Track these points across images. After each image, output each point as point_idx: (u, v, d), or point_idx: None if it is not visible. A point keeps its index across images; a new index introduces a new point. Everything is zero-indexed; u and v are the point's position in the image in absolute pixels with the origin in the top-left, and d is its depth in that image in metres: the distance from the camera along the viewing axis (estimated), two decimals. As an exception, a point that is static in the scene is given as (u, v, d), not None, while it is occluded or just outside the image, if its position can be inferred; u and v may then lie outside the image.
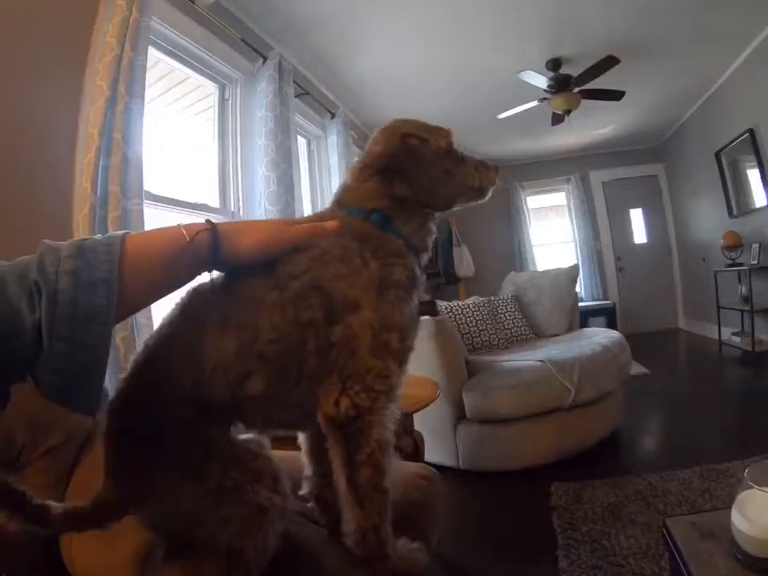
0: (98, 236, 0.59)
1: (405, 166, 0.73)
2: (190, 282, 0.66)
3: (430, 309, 0.81)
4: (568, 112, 3.92)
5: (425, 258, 0.78)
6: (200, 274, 0.65)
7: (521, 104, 4.06)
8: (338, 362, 0.64)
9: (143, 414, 0.63)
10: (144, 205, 1.63)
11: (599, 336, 2.94)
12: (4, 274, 0.52)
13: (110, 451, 0.65)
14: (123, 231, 0.61)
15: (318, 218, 0.73)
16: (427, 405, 1.56)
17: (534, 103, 4.02)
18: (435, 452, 2.40)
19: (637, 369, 3.94)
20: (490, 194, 0.84)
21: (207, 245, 0.62)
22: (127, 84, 1.54)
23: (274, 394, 0.65)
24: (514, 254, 6.63)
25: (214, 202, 2.54)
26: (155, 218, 2.01)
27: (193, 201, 2.37)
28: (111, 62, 1.51)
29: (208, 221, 0.64)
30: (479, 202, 0.84)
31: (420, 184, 0.74)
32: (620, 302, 6.38)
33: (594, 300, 6.41)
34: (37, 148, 1.43)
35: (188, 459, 0.63)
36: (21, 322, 0.50)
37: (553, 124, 4.51)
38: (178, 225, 0.62)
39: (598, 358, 2.57)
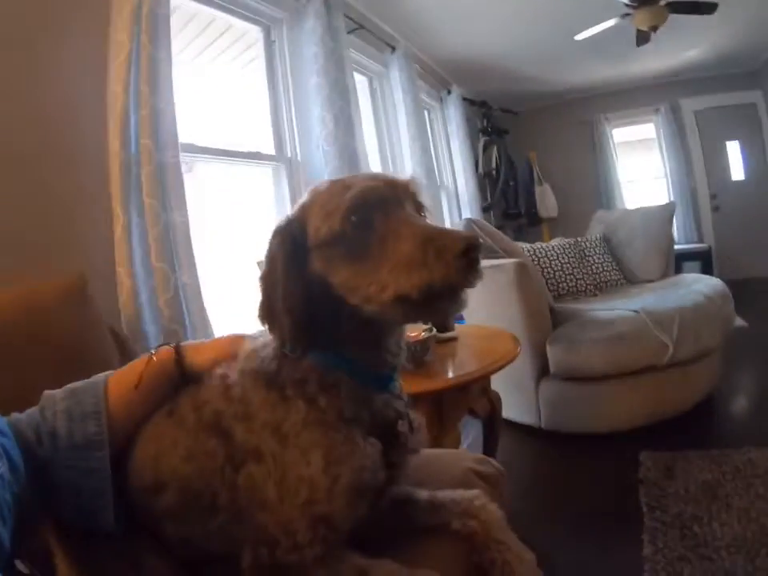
0: (83, 382, 0.70)
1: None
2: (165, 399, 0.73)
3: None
4: (654, 29, 3.44)
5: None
6: (169, 390, 0.73)
7: (600, 22, 3.60)
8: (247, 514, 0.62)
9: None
10: (188, 157, 1.60)
11: (700, 284, 2.62)
12: (21, 425, 0.63)
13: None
14: (108, 372, 0.73)
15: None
16: (507, 364, 1.39)
17: (616, 20, 3.55)
18: (514, 409, 2.25)
19: (735, 322, 3.55)
20: (453, 312, 0.61)
21: (172, 364, 0.73)
22: (149, 34, 1.47)
23: (188, 517, 0.66)
24: (600, 192, 6.13)
25: (269, 149, 2.41)
26: (208, 172, 1.96)
27: (246, 150, 2.28)
28: (130, 13, 1.44)
29: (174, 345, 0.76)
30: (437, 320, 0.72)
31: (273, 316, 0.62)
32: (716, 245, 5.80)
33: (687, 243, 5.85)
34: (66, 112, 1.42)
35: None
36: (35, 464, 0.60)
37: (638, 44, 3.99)
38: (151, 351, 0.74)
39: (700, 309, 2.28)
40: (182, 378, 0.74)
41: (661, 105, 5.94)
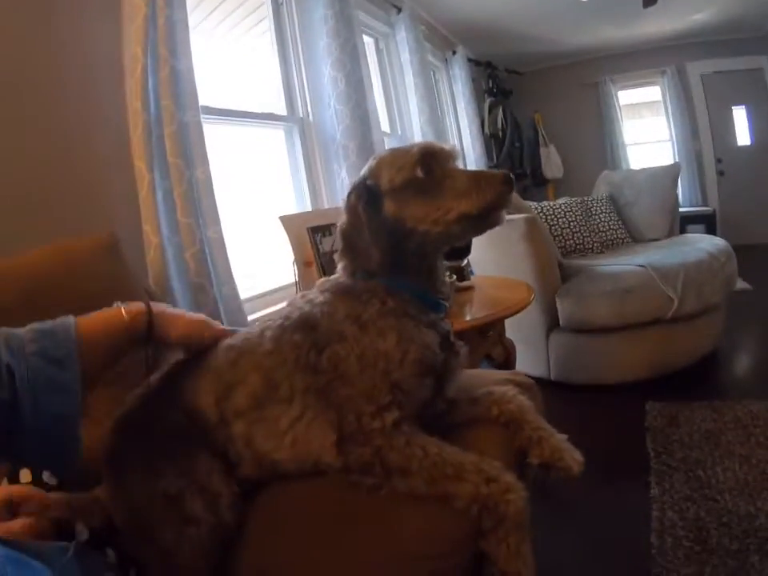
0: (49, 321, 0.65)
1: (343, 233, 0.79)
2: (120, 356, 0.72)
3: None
4: (660, -10, 3.38)
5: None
6: (134, 349, 0.73)
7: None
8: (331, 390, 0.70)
9: (147, 411, 0.76)
10: (203, 119, 1.59)
11: (704, 242, 2.66)
12: None
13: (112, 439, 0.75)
14: (70, 316, 0.67)
15: None
16: (521, 309, 1.44)
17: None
18: (525, 362, 2.30)
19: (739, 284, 3.56)
20: (502, 219, 0.76)
21: (144, 325, 0.71)
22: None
23: (262, 412, 0.72)
24: (606, 153, 6.08)
25: (281, 109, 2.42)
26: (219, 133, 1.98)
27: (259, 111, 2.29)
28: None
29: (145, 302, 0.73)
30: (485, 231, 0.77)
31: (356, 251, 0.76)
32: (720, 210, 5.76)
33: (691, 206, 5.82)
34: (85, 76, 1.41)
35: (152, 456, 0.70)
36: None
37: (644, 6, 3.91)
38: (117, 305, 0.71)
39: (703, 265, 2.32)
40: (145, 343, 0.73)
41: (667, 67, 5.83)
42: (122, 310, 0.71)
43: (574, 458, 0.72)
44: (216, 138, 2.00)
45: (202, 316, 0.80)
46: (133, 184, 1.42)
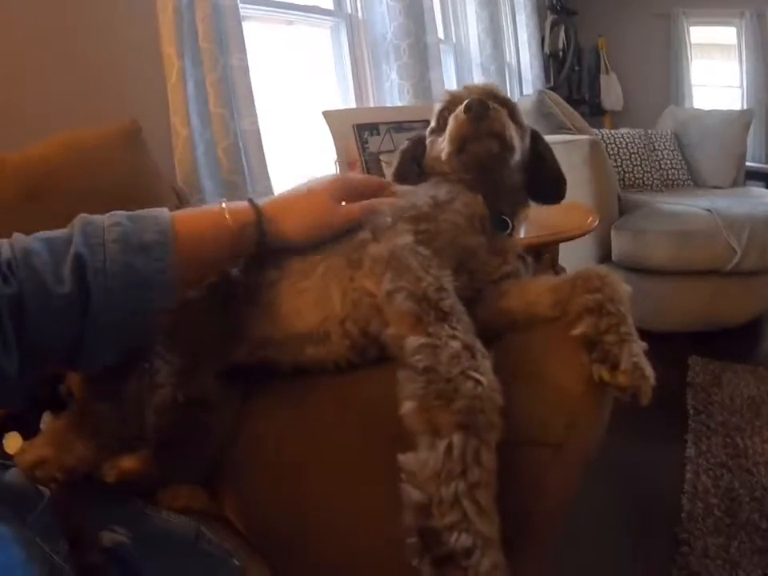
0: (140, 210, 0.53)
1: None
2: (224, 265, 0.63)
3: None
4: None
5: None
6: (242, 256, 0.63)
7: None
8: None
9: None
10: (241, 7, 1.49)
11: (772, 198, 2.47)
12: (31, 245, 0.45)
13: None
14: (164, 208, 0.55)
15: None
16: (582, 234, 1.34)
17: None
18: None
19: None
20: (486, 148, 0.69)
21: (253, 234, 0.58)
22: None
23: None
24: (670, 91, 5.62)
25: (327, 3, 2.21)
26: (261, 31, 1.88)
27: (302, 3, 2.09)
28: None
29: (251, 202, 0.59)
30: (481, 163, 0.70)
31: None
32: (786, 171, 5.41)
33: (754, 161, 5.44)
34: (117, 18, 1.31)
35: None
36: (50, 299, 0.44)
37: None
38: (221, 206, 0.57)
39: (772, 222, 2.15)
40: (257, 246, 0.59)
41: (746, 9, 5.29)
42: (226, 212, 0.56)
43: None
44: (258, 35, 1.87)
45: (321, 192, 0.62)
46: (161, 73, 1.32)
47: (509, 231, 0.71)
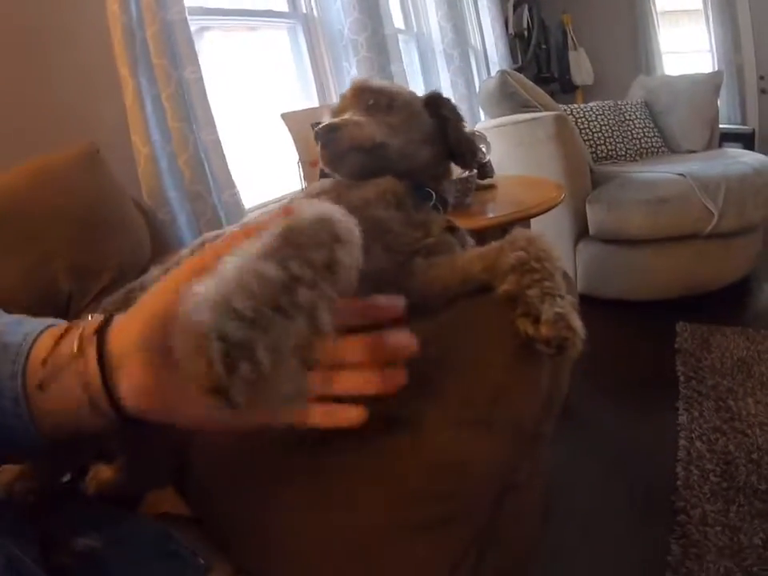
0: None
1: None
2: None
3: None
4: None
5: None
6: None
7: None
8: None
9: None
10: (191, 20, 1.47)
11: (747, 157, 2.43)
12: None
13: None
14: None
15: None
16: (550, 209, 1.33)
17: None
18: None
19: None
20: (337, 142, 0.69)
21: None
22: None
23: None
24: (640, 61, 5.66)
25: (281, 5, 2.20)
26: (217, 39, 1.88)
27: (256, 9, 2.12)
28: None
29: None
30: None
31: None
32: (759, 130, 5.33)
33: (729, 123, 5.43)
34: (71, 42, 1.31)
35: None
36: None
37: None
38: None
39: (747, 180, 2.12)
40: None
41: None
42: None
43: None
44: (214, 44, 1.86)
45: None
46: (118, 93, 1.31)
47: (433, 203, 0.71)
